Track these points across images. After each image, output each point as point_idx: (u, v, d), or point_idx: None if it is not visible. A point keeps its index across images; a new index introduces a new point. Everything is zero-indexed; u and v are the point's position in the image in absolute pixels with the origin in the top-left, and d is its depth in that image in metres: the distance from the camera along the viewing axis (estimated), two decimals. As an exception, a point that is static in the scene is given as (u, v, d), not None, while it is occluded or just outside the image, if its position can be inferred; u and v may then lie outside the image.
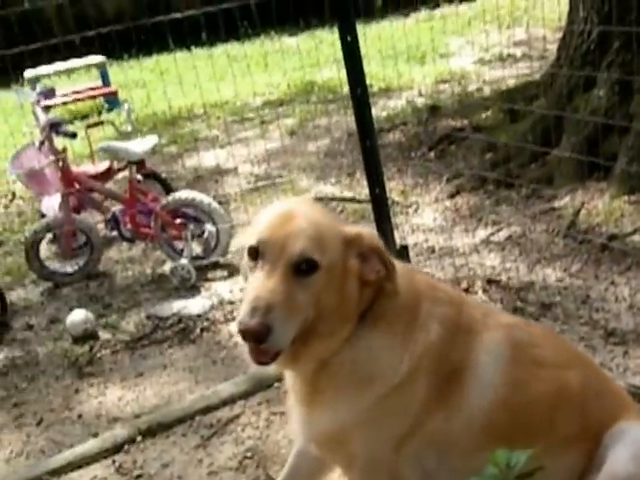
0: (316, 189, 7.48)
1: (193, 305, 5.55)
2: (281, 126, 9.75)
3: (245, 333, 2.33)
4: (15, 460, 4.22)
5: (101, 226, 6.74)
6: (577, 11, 6.85)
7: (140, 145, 6.48)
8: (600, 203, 5.96)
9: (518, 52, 11.29)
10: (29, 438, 4.39)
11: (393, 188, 6.87)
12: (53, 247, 6.81)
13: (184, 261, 5.97)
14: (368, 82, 4.72)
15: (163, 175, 7.58)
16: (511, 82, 8.42)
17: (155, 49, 14.96)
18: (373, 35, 10.20)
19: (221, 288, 5.82)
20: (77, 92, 12.97)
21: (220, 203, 6.64)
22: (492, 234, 5.94)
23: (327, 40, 13.31)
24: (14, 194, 8.94)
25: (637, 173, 5.96)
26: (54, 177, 6.64)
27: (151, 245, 6.62)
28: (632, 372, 4.06)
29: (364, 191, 6.76)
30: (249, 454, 3.89)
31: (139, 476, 3.89)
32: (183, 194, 6.39)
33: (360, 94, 4.59)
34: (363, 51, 4.52)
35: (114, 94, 12.80)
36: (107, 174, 7.00)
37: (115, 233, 6.57)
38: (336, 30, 4.54)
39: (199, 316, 5.40)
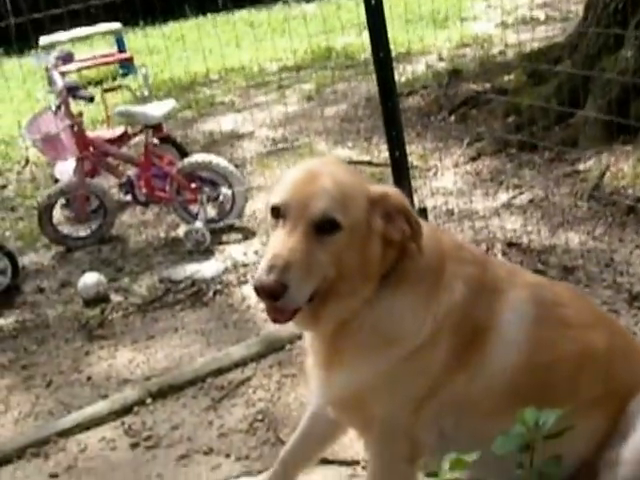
0: (333, 153, 7.35)
1: (206, 268, 5.47)
2: (299, 91, 9.63)
3: (260, 290, 2.30)
4: (24, 421, 4.16)
5: (115, 190, 6.67)
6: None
7: (158, 108, 6.39)
8: (626, 166, 5.82)
9: (542, 15, 11.09)
10: (38, 400, 4.33)
11: (412, 152, 6.72)
12: (66, 211, 6.71)
13: (199, 224, 5.88)
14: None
15: (178, 139, 7.49)
16: (534, 45, 8.23)
17: (172, 17, 14.79)
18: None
19: (235, 251, 5.73)
20: (93, 58, 12.86)
21: (236, 166, 6.56)
22: (513, 197, 5.82)
23: (346, 6, 13.15)
24: (27, 160, 8.85)
25: (665, 136, 5.82)
26: (70, 142, 6.53)
27: (165, 209, 6.55)
28: (656, 337, 3.96)
29: (382, 155, 6.70)
30: (260, 416, 3.82)
31: (148, 438, 3.83)
32: (199, 157, 6.32)
33: (383, 56, 4.48)
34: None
35: (129, 60, 12.66)
36: (122, 139, 6.92)
37: (129, 197, 6.50)
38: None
39: (212, 279, 5.32)
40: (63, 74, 6.99)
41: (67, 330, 5.06)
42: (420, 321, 2.54)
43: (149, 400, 4.08)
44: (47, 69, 7.17)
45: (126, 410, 4.04)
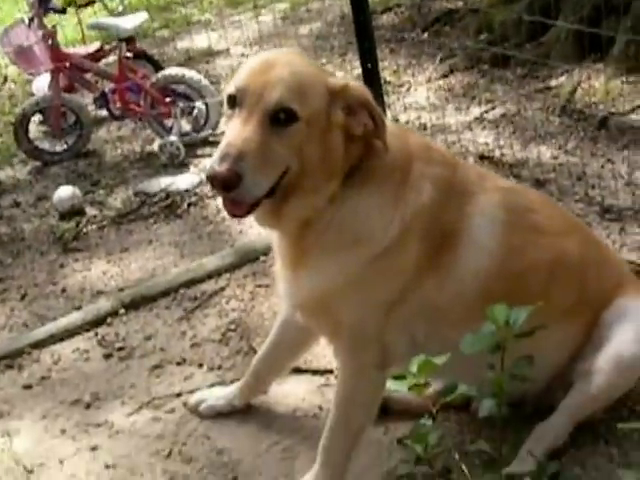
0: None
1: (181, 181, 5.23)
2: (274, 10, 9.25)
3: (213, 180, 2.12)
4: (-2, 333, 3.96)
5: (92, 107, 6.36)
6: None
7: (130, 21, 6.13)
8: (597, 83, 5.63)
9: None
10: (13, 312, 4.15)
11: (386, 68, 6.45)
12: (43, 127, 6.45)
13: (173, 138, 5.64)
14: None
15: (155, 57, 7.15)
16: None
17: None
18: None
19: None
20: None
21: (211, 83, 6.26)
22: (486, 112, 5.60)
23: None
24: (6, 77, 8.49)
25: (635, 54, 5.63)
26: (44, 55, 6.28)
27: (141, 124, 6.28)
28: (628, 248, 3.82)
29: (356, 71, 6.39)
30: (232, 326, 3.65)
31: (121, 348, 3.65)
32: (173, 71, 6.09)
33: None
34: None
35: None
36: (97, 54, 6.60)
37: (104, 111, 6.26)
38: None
39: (187, 192, 5.09)
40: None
41: (42, 243, 4.85)
42: (387, 221, 2.37)
43: (122, 311, 3.90)
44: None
45: (99, 321, 3.86)
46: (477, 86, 6.05)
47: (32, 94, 6.72)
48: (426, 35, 7.35)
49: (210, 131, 5.86)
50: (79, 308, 4.01)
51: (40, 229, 5.03)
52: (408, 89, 6.26)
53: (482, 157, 4.84)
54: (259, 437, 3.01)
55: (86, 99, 6.35)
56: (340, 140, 2.28)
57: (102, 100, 6.11)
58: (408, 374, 1.81)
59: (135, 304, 3.93)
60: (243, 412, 3.12)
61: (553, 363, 2.73)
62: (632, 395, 2.77)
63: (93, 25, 6.38)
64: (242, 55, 7.69)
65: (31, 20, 6.01)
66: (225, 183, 2.12)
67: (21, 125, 5.98)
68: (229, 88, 2.27)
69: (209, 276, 4.06)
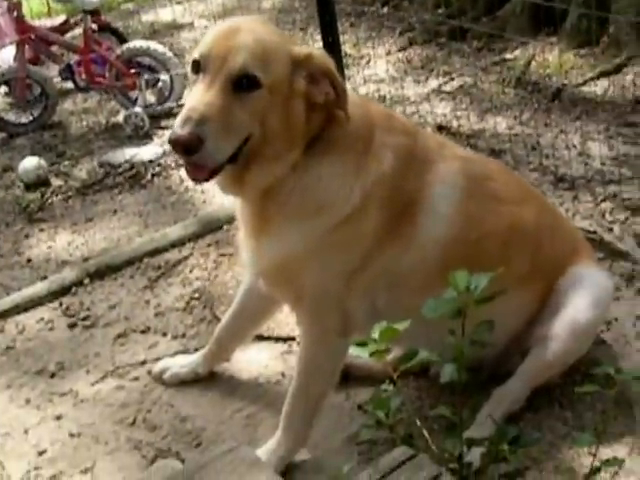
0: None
1: (145, 152, 5.09)
2: (237, -16, 9.06)
3: (175, 143, 2.06)
4: (-38, 303, 3.81)
5: (57, 79, 6.17)
6: None
7: (95, -7, 5.89)
8: (550, 56, 5.60)
9: None
10: (-23, 282, 3.99)
11: (346, 41, 6.31)
12: (8, 99, 6.25)
13: (138, 109, 5.49)
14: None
15: (120, 29, 6.95)
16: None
17: None
18: None
19: (174, 135, 5.32)
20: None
21: (176, 55, 6.09)
22: (443, 84, 5.52)
23: None
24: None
25: (587, 28, 5.55)
26: (9, 27, 6.06)
27: (106, 96, 6.12)
28: (581, 216, 3.78)
29: (317, 44, 6.25)
30: (196, 295, 3.55)
31: (86, 317, 3.54)
32: (137, 43, 5.90)
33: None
34: None
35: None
36: (63, 27, 6.42)
37: (70, 83, 6.11)
38: None
39: (151, 162, 4.95)
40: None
41: (7, 214, 4.70)
42: (348, 189, 2.30)
43: (87, 281, 3.78)
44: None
45: (64, 291, 3.74)
46: (435, 59, 5.96)
47: (-4, 66, 6.53)
48: (386, 9, 7.24)
49: (174, 103, 5.71)
50: (44, 278, 3.88)
51: (5, 200, 4.87)
52: (368, 62, 6.14)
53: (440, 128, 4.75)
54: (222, 404, 2.94)
55: (51, 71, 6.16)
56: (302, 108, 2.21)
57: (67, 72, 5.95)
58: (369, 340, 1.74)
59: (100, 274, 3.81)
60: (206, 380, 3.04)
61: (510, 328, 2.70)
62: (585, 360, 2.74)
63: (60, -2, 6.18)
64: (206, 28, 7.51)
65: (-7, -8, 5.82)
66: (187, 146, 2.06)
67: (-14, 97, 5.80)
68: (194, 53, 2.19)
69: (173, 245, 3.94)
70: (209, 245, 3.92)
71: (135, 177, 4.81)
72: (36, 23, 6.40)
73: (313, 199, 2.30)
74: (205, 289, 3.58)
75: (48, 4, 7.52)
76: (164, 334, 3.34)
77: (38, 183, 4.91)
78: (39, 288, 3.75)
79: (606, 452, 2.47)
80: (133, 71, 5.68)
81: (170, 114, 5.63)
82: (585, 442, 1.68)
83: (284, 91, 2.17)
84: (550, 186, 4.06)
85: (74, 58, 5.99)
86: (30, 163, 4.98)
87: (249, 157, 2.21)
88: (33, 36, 5.89)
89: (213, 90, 2.10)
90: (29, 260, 4.13)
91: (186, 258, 3.85)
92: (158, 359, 3.17)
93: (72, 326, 3.49)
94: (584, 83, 5.16)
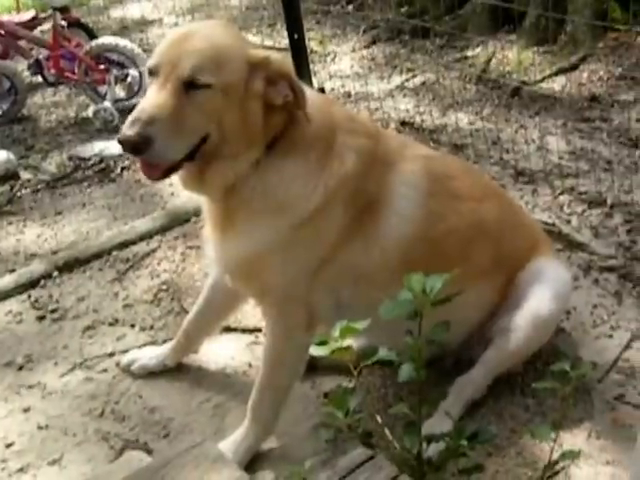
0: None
1: (114, 146, 4.90)
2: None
3: (123, 143, 2.06)
4: None
5: (26, 74, 6.03)
6: None
7: (64, -10, 5.76)
8: (510, 54, 5.60)
9: None
10: (-54, 275, 3.87)
11: (312, 38, 6.27)
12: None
13: (107, 104, 5.36)
14: None
15: (90, 25, 6.82)
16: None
17: None
18: None
19: (142, 130, 5.22)
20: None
21: (145, 51, 5.98)
22: (406, 80, 5.49)
23: None
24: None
25: (544, 27, 5.56)
26: (-24, 23, 5.88)
27: (75, 90, 5.96)
28: (540, 209, 3.79)
29: (284, 41, 6.20)
30: (164, 287, 3.48)
31: (54, 310, 3.44)
32: (106, 39, 5.76)
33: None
34: None
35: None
36: (32, 22, 6.25)
37: (39, 78, 5.93)
38: None
39: (120, 156, 4.82)
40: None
41: (-24, 207, 4.56)
42: (310, 189, 2.28)
43: (56, 273, 3.68)
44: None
45: (33, 283, 3.63)
46: (398, 56, 5.91)
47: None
48: (350, 8, 7.18)
49: (143, 97, 5.59)
50: (13, 271, 3.77)
51: (-27, 194, 4.74)
52: (333, 58, 6.09)
53: (403, 123, 4.72)
54: (190, 395, 2.88)
55: (20, 65, 6.02)
56: (259, 109, 2.19)
57: (36, 67, 5.79)
58: (330, 339, 1.71)
59: (68, 266, 3.71)
60: (174, 370, 2.98)
61: (473, 320, 2.70)
62: (546, 348, 2.75)
63: (27, -8, 6.04)
64: (175, 24, 7.40)
65: (-36, -13, 5.67)
66: (134, 146, 2.07)
67: (-45, 91, 5.63)
68: (149, 60, 2.18)
69: (141, 238, 3.86)
70: (176, 238, 3.85)
71: (104, 171, 4.71)
72: (5, 18, 6.23)
73: (276, 197, 2.28)
74: (173, 281, 3.51)
75: None
76: (132, 326, 3.27)
77: (7, 176, 4.76)
78: (7, 281, 3.64)
79: (567, 438, 2.47)
80: (102, 66, 5.54)
81: (139, 109, 5.53)
82: (544, 435, 1.65)
83: (239, 92, 2.15)
84: (510, 180, 4.05)
85: (43, 53, 5.84)
86: (-1, 157, 4.85)
87: (208, 156, 2.21)
88: (2, 31, 5.73)
89: (164, 92, 2.10)
90: (-3, 253, 4.02)
91: (154, 251, 3.77)
92: (126, 351, 3.10)
93: (41, 319, 3.40)
94: (542, 80, 5.18)
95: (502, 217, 2.67)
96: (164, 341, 3.11)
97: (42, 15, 6.24)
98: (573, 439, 2.48)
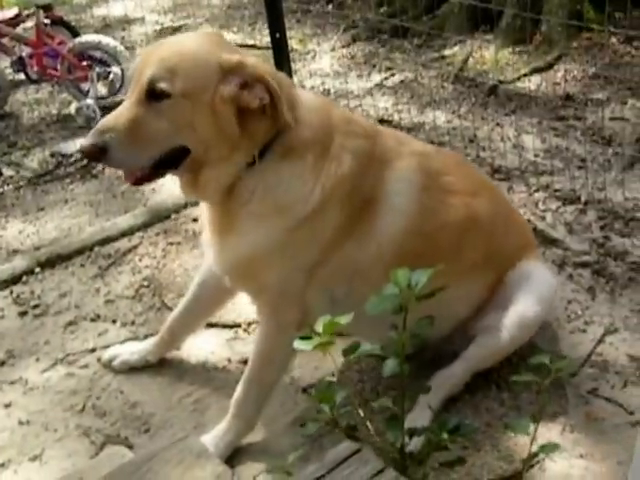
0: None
1: (96, 143, 4.92)
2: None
3: (82, 151, 2.15)
4: None
5: (9, 71, 5.95)
6: None
7: (48, -13, 5.68)
8: (487, 53, 5.62)
9: None
10: None
11: (293, 37, 6.23)
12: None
13: (90, 101, 5.30)
14: None
15: (72, 23, 6.74)
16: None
17: None
18: None
19: (124, 127, 5.17)
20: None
21: (127, 49, 5.93)
22: (385, 79, 5.47)
23: None
24: None
25: (521, 27, 5.57)
26: (-42, 20, 5.80)
27: (58, 87, 5.90)
28: (516, 206, 3.74)
29: (265, 39, 6.18)
30: (145, 283, 3.44)
31: (36, 306, 3.40)
32: (89, 37, 5.72)
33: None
34: None
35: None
36: (15, 20, 6.16)
37: (22, 75, 5.87)
38: None
39: (102, 153, 4.78)
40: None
41: (-41, 203, 4.49)
42: (308, 190, 2.27)
43: (38, 269, 3.63)
44: None
45: (15, 279, 3.58)
46: (377, 55, 5.90)
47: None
48: (330, 7, 7.17)
49: (125, 95, 5.52)
50: (-6, 267, 3.73)
51: (-45, 190, 4.67)
52: (313, 57, 6.07)
53: (382, 121, 4.69)
54: (171, 390, 2.85)
55: (3, 62, 5.95)
56: (230, 114, 2.16)
57: (19, 64, 5.73)
58: (313, 334, 1.69)
59: (50, 262, 3.66)
60: (155, 366, 2.95)
61: (460, 316, 2.68)
62: (522, 345, 2.71)
63: (11, -9, 5.96)
64: (157, 23, 7.37)
65: (-53, -16, 5.58)
66: (90, 155, 2.14)
67: (-62, 88, 5.55)
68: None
69: (123, 234, 3.81)
70: (158, 234, 3.81)
71: (86, 167, 4.64)
72: (-13, 16, 6.17)
73: (274, 200, 2.27)
74: (154, 277, 3.47)
75: (-1, -3, 7.26)
76: (114, 321, 3.23)
77: (-12, 173, 4.73)
78: (-11, 277, 3.60)
79: (541, 431, 2.43)
80: (85, 64, 5.48)
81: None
82: (522, 428, 1.64)
83: (206, 99, 2.13)
84: (487, 177, 4.03)
85: (26, 50, 5.77)
86: (-19, 153, 4.79)
87: (197, 164, 2.21)
88: (-16, 28, 5.66)
89: (127, 102, 2.15)
90: (-20, 249, 3.96)
91: (135, 247, 3.73)
92: (108, 346, 3.05)
93: (22, 314, 3.35)
94: (518, 79, 5.18)
95: (495, 212, 2.65)
96: (145, 336, 3.08)
97: (25, 13, 6.19)
98: (548, 433, 2.47)
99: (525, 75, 5.19)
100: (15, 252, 3.86)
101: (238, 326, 3.10)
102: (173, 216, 3.91)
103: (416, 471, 1.72)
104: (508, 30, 5.71)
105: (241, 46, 6.26)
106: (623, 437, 2.44)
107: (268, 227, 2.29)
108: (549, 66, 5.28)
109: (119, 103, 5.27)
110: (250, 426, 2.54)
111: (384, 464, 1.61)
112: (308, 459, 2.28)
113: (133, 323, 3.21)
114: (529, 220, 3.54)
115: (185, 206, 3.94)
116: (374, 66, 5.70)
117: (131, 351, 2.97)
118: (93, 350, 3.08)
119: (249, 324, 3.10)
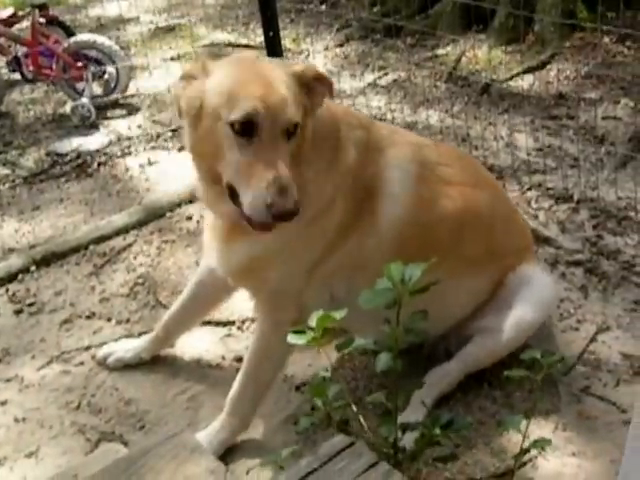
0: (213, 37, 6.76)
1: (92, 141, 4.92)
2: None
3: (281, 215, 1.99)
4: None
5: (5, 71, 5.94)
6: None
7: (43, -14, 5.67)
8: (480, 52, 5.59)
9: None
10: None
11: (286, 36, 6.21)
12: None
13: (85, 100, 5.29)
14: None
15: (67, 23, 6.72)
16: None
17: None
18: None
19: (119, 125, 5.17)
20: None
21: (122, 48, 5.91)
22: (378, 78, 5.47)
23: None
24: None
25: (513, 26, 5.59)
26: (-46, 19, 5.78)
27: (53, 87, 5.88)
28: (509, 204, 3.73)
29: (258, 39, 6.19)
30: (140, 281, 3.43)
31: (32, 304, 3.39)
32: (84, 37, 5.71)
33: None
34: None
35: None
36: (11, 20, 6.15)
37: (17, 75, 5.83)
38: None
39: (97, 151, 4.78)
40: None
41: (-46, 201, 4.47)
42: (323, 184, 2.28)
43: (33, 268, 3.63)
44: None
45: (11, 278, 3.58)
46: (371, 54, 5.89)
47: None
48: (324, 7, 7.16)
49: (120, 94, 5.53)
50: (-10, 265, 3.71)
51: (-48, 187, 4.65)
52: (307, 56, 6.06)
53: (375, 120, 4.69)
54: (165, 387, 2.85)
55: (-1, 62, 5.95)
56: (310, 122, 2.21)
57: (15, 64, 5.72)
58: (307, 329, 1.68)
59: (46, 261, 3.66)
60: (149, 363, 2.95)
61: (458, 314, 2.67)
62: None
63: (6, -10, 5.94)
64: (151, 22, 7.34)
65: (-58, -16, 5.56)
66: (294, 216, 2.02)
67: None
68: (234, 115, 2.03)
69: (117, 233, 3.81)
70: (152, 232, 3.80)
71: (81, 166, 4.64)
72: (-17, 16, 6.15)
73: None
74: (149, 275, 3.47)
75: (-5, -3, 7.26)
76: (109, 319, 3.23)
77: (-16, 172, 4.71)
78: (-15, 275, 3.59)
79: (534, 430, 2.44)
80: (80, 63, 5.46)
81: (116, 104, 5.47)
82: (516, 424, 1.64)
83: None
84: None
85: (22, 50, 5.75)
86: (-24, 151, 4.78)
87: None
88: (-20, 28, 5.64)
89: (278, 150, 2.04)
90: (-25, 248, 3.95)
91: (130, 245, 3.72)
92: (103, 344, 3.05)
93: (18, 312, 3.35)
94: (511, 78, 5.18)
95: (496, 207, 2.64)
96: (140, 334, 3.08)
97: (21, 13, 6.15)
98: (540, 431, 2.46)
99: (518, 74, 5.19)
100: (11, 250, 3.86)
101: (232, 324, 3.09)
102: (168, 214, 3.90)
103: (409, 467, 1.72)
104: (501, 29, 5.72)
105: (235, 46, 6.29)
106: (615, 435, 2.44)
107: (280, 228, 2.21)
108: (542, 65, 5.28)
109: (114, 102, 5.32)
110: (245, 424, 2.54)
111: (377, 457, 1.61)
112: (301, 456, 2.27)
113: (128, 321, 3.20)
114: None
115: (179, 204, 3.93)
116: (367, 65, 5.70)
117: (126, 348, 2.96)
118: (88, 348, 3.08)
119: (243, 322, 3.10)
